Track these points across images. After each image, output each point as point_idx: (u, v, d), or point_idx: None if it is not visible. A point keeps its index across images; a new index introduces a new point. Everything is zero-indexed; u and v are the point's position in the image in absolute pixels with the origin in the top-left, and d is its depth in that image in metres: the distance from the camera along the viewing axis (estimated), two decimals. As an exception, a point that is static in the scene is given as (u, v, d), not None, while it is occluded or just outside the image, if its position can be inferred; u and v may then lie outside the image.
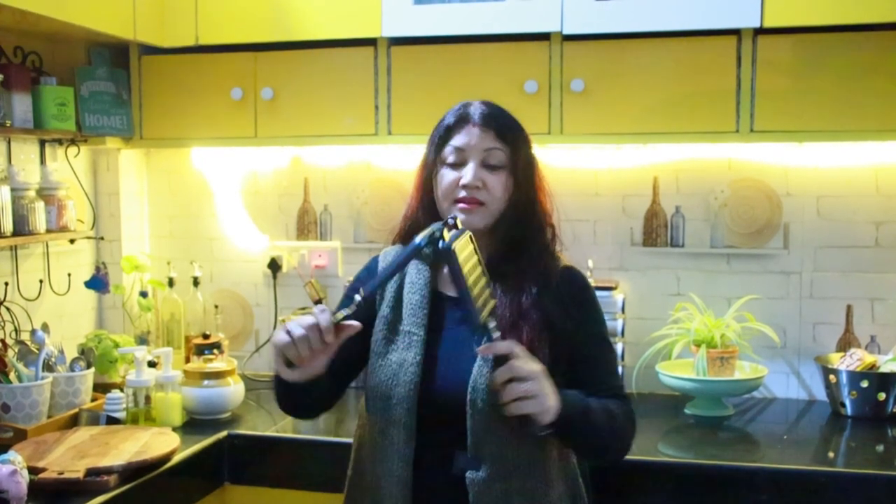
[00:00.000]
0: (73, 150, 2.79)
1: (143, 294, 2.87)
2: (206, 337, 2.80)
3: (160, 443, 2.15)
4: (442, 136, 1.77)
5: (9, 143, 2.56)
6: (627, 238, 2.79)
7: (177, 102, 2.75)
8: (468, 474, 1.66)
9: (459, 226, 1.59)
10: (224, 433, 2.34)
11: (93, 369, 2.47)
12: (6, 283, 2.57)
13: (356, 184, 2.96)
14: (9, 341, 2.44)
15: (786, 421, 2.58)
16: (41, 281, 2.70)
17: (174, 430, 2.33)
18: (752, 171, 2.70)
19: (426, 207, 1.80)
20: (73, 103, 2.62)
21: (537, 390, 1.53)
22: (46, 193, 2.57)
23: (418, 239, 1.54)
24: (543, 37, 2.46)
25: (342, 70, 2.61)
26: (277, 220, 3.05)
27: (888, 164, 2.61)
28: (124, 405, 2.40)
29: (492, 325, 1.55)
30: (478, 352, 1.58)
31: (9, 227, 2.40)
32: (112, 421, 2.37)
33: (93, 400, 2.44)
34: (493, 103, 1.79)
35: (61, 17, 2.30)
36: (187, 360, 2.79)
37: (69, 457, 2.04)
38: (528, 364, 1.54)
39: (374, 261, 1.88)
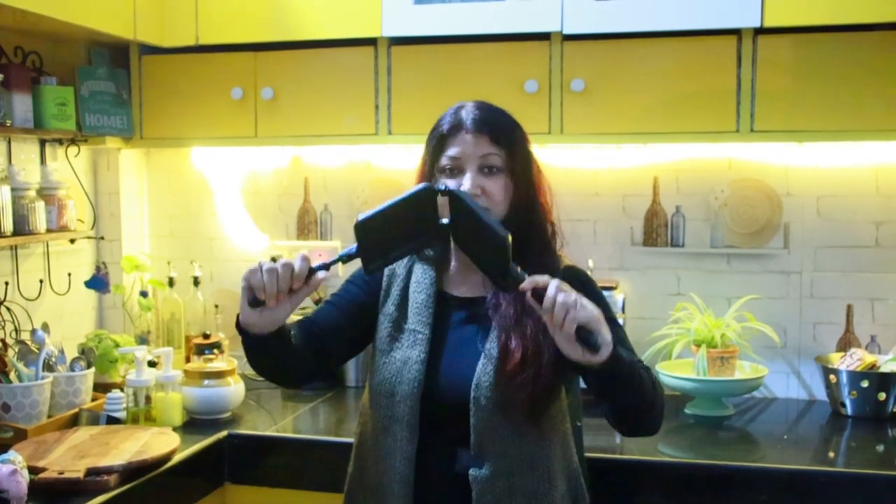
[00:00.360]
0: (73, 149, 2.79)
1: (144, 294, 2.87)
2: (206, 337, 2.80)
3: (160, 443, 2.15)
4: (436, 146, 1.76)
5: (9, 142, 2.56)
6: (627, 238, 2.79)
7: (177, 102, 2.75)
8: (471, 472, 1.66)
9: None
10: (224, 433, 2.34)
11: (93, 369, 2.47)
12: (6, 283, 2.57)
13: (356, 183, 2.96)
14: (9, 341, 2.44)
15: (786, 421, 2.58)
16: (41, 281, 2.70)
17: (174, 429, 2.34)
18: (752, 170, 2.70)
19: None
20: (74, 103, 2.62)
21: (585, 303, 1.50)
22: (47, 193, 2.57)
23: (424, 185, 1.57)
24: (544, 36, 2.46)
25: (342, 70, 2.61)
26: (278, 219, 3.05)
27: (888, 164, 2.61)
28: (124, 405, 2.40)
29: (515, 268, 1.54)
30: (523, 287, 1.53)
31: (9, 226, 2.40)
32: (112, 421, 2.37)
33: (93, 400, 2.44)
34: (487, 104, 1.77)
35: (62, 16, 2.30)
36: (187, 360, 2.79)
37: (69, 457, 2.04)
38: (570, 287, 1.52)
39: None
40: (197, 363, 2.59)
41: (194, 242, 3.10)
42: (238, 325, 1.67)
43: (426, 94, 2.54)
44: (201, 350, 2.70)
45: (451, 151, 1.72)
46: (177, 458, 2.14)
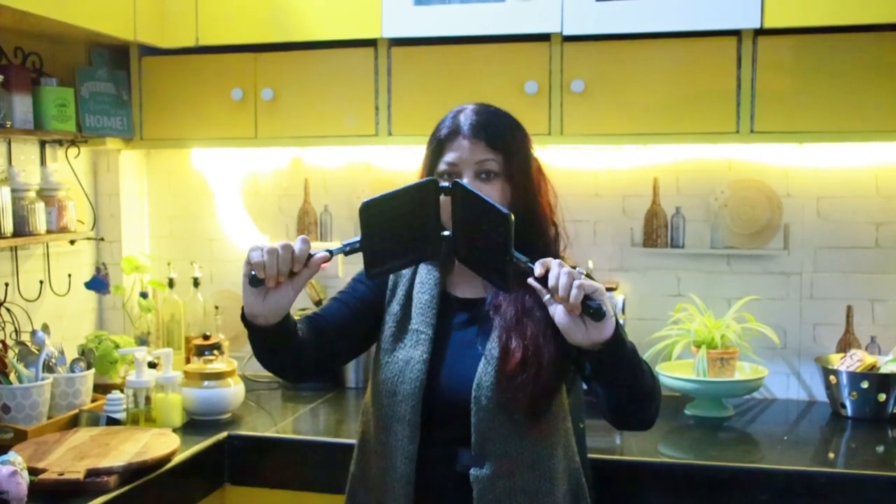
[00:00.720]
0: (73, 150, 2.79)
1: (144, 295, 2.87)
2: (206, 338, 2.80)
3: (160, 444, 2.15)
4: (435, 151, 1.76)
5: (9, 143, 2.56)
6: (627, 239, 2.79)
7: (177, 103, 2.75)
8: (472, 471, 1.67)
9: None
10: (224, 434, 2.34)
11: (93, 370, 2.47)
12: (6, 284, 2.57)
13: (356, 184, 2.96)
14: (9, 342, 2.44)
15: (786, 422, 2.58)
16: (41, 282, 2.70)
17: (174, 430, 2.34)
18: (752, 171, 2.70)
19: None
20: (74, 104, 2.62)
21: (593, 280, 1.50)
22: (47, 194, 2.57)
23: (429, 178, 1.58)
24: (543, 37, 2.46)
25: (342, 71, 2.61)
26: (278, 220, 3.05)
27: (888, 165, 2.61)
28: (124, 406, 2.40)
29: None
30: (535, 273, 1.53)
31: (9, 227, 2.40)
32: (112, 422, 2.37)
33: (93, 401, 2.43)
34: (487, 107, 1.76)
35: (62, 17, 2.30)
36: (187, 361, 2.79)
37: (69, 458, 2.04)
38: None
39: None
40: (197, 364, 2.59)
41: (194, 243, 3.10)
42: (243, 317, 1.66)
43: (426, 95, 2.54)
44: (201, 351, 2.70)
45: (449, 157, 1.72)
46: (177, 459, 2.15)
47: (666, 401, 2.62)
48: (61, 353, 2.42)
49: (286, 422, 2.53)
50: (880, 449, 2.26)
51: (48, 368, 2.35)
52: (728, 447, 2.32)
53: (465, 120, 1.73)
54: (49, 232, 2.57)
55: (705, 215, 2.74)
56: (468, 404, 1.66)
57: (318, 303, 2.95)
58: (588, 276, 1.68)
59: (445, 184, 1.61)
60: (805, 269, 2.69)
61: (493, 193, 1.70)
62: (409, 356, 1.72)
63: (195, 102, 2.73)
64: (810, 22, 2.28)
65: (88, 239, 2.89)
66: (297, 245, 1.56)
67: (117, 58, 2.79)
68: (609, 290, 2.64)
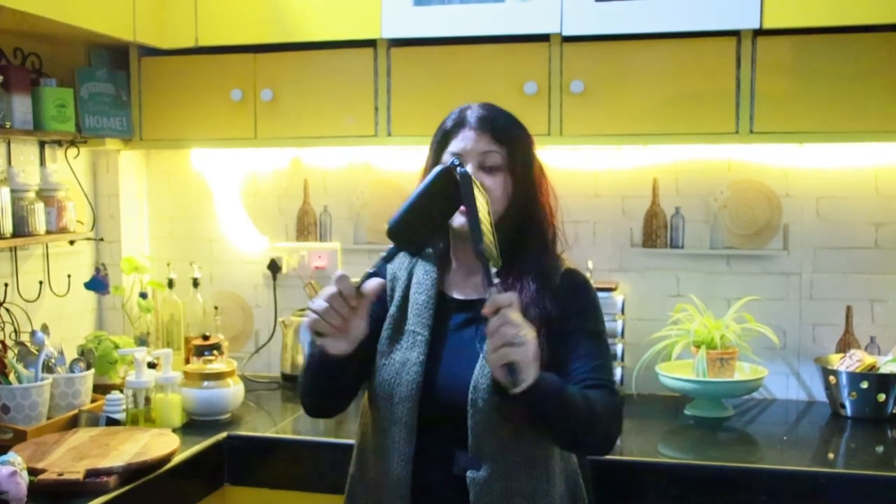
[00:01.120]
0: (72, 151, 2.79)
1: (143, 295, 2.87)
2: (205, 338, 2.80)
3: (160, 444, 2.15)
4: (440, 142, 1.78)
5: (8, 144, 2.56)
6: (627, 239, 2.79)
7: (176, 104, 2.75)
8: (468, 474, 1.67)
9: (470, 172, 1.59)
10: (224, 434, 2.34)
11: (92, 370, 2.47)
12: (6, 285, 2.57)
13: (356, 185, 2.96)
14: (8, 342, 2.43)
15: (785, 422, 2.58)
16: (41, 282, 2.70)
17: (174, 431, 2.33)
18: (751, 172, 2.70)
19: None
20: (73, 105, 2.62)
21: (524, 340, 1.48)
22: (46, 195, 2.57)
23: (439, 168, 1.54)
24: (543, 38, 2.46)
25: (342, 71, 2.61)
26: (277, 221, 3.05)
27: (888, 165, 2.61)
28: (124, 406, 2.40)
29: (493, 270, 1.54)
30: (485, 311, 1.51)
31: (8, 228, 2.40)
32: (112, 422, 2.36)
33: (92, 401, 2.43)
34: (493, 105, 1.79)
35: (61, 18, 2.30)
36: (187, 362, 2.79)
37: (69, 458, 2.04)
38: (521, 318, 1.51)
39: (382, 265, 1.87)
40: (196, 364, 2.59)
41: (194, 244, 3.10)
42: (312, 359, 1.67)
43: (426, 95, 2.54)
44: (201, 351, 2.70)
45: (453, 147, 1.74)
46: (176, 459, 2.14)
47: (666, 401, 2.65)
48: (61, 353, 2.42)
49: (286, 422, 2.53)
50: (880, 449, 2.27)
51: (48, 369, 2.35)
52: (728, 447, 2.32)
53: (472, 114, 1.75)
54: (48, 232, 2.57)
55: (705, 216, 2.74)
56: (465, 406, 1.66)
57: (317, 303, 2.95)
58: (586, 285, 1.69)
59: (461, 168, 1.57)
60: (804, 270, 2.69)
61: (494, 186, 1.71)
62: (405, 358, 1.72)
63: (195, 103, 2.73)
64: (810, 22, 2.28)
65: (88, 239, 2.89)
66: (342, 288, 1.55)
67: (117, 58, 2.79)
68: (609, 290, 2.65)
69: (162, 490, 2.08)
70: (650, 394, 2.70)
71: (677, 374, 2.53)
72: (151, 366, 2.50)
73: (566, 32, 2.41)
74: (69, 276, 2.81)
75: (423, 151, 1.85)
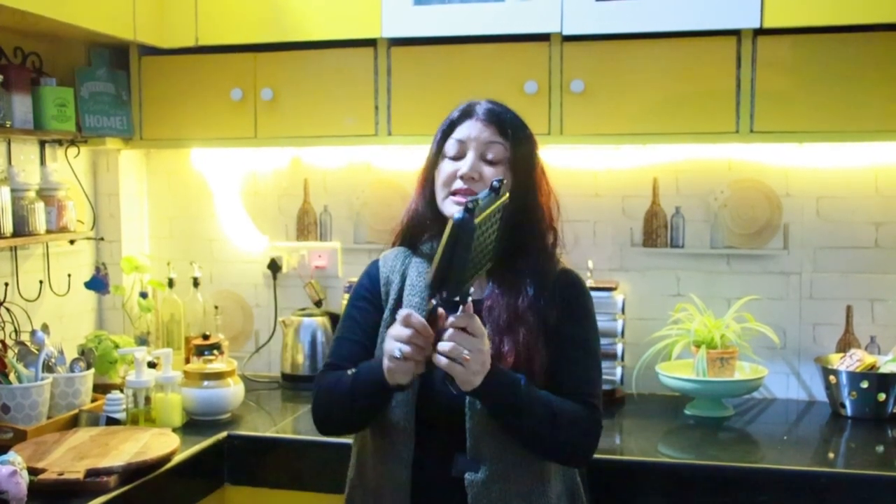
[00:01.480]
0: (72, 150, 2.79)
1: (143, 295, 2.87)
2: (205, 338, 2.80)
3: (160, 443, 2.15)
4: (445, 131, 1.79)
5: (9, 143, 2.56)
6: (627, 239, 2.79)
7: (177, 103, 2.75)
8: (467, 476, 1.67)
9: (503, 191, 1.56)
10: (224, 434, 2.34)
11: (93, 370, 2.47)
12: (6, 284, 2.57)
13: (356, 184, 2.96)
14: (9, 342, 2.43)
15: (786, 421, 2.58)
16: (41, 282, 2.70)
17: (174, 430, 2.33)
18: (751, 171, 2.70)
19: (427, 201, 1.80)
20: (73, 104, 2.62)
21: (474, 360, 1.53)
22: (46, 194, 2.57)
23: (458, 214, 1.48)
24: (543, 37, 2.46)
25: (342, 71, 2.61)
26: (277, 220, 3.05)
27: (888, 165, 2.61)
28: (124, 406, 2.40)
29: (465, 296, 1.54)
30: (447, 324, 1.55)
31: (9, 227, 2.40)
32: (112, 422, 2.36)
33: (93, 401, 2.43)
34: (500, 102, 1.80)
35: (61, 17, 2.30)
36: (187, 361, 2.79)
37: (69, 458, 2.04)
38: (476, 335, 1.54)
39: (375, 265, 1.88)
40: (196, 364, 2.59)
41: (194, 243, 3.10)
42: (365, 386, 1.67)
43: (426, 94, 2.54)
44: (201, 351, 2.71)
45: (458, 134, 1.75)
46: (176, 459, 2.14)
47: (666, 401, 2.65)
48: (61, 353, 2.41)
49: (286, 422, 2.53)
50: (880, 449, 2.26)
51: (48, 368, 2.35)
52: (728, 447, 2.32)
53: (481, 106, 1.77)
54: (49, 232, 2.57)
55: (705, 215, 2.74)
56: (463, 409, 1.66)
57: (317, 303, 2.95)
58: (581, 288, 1.69)
59: (459, 212, 1.50)
60: (805, 269, 2.69)
61: (492, 176, 1.70)
62: None
63: (195, 102, 2.73)
64: (810, 22, 2.28)
65: (88, 239, 2.89)
66: (415, 323, 1.55)
67: (117, 58, 2.79)
68: (609, 290, 2.65)
69: (162, 490, 2.08)
70: (650, 393, 2.70)
71: (677, 373, 2.53)
72: (151, 365, 2.49)
73: (566, 32, 2.41)
74: (69, 275, 2.81)
75: (423, 151, 1.85)
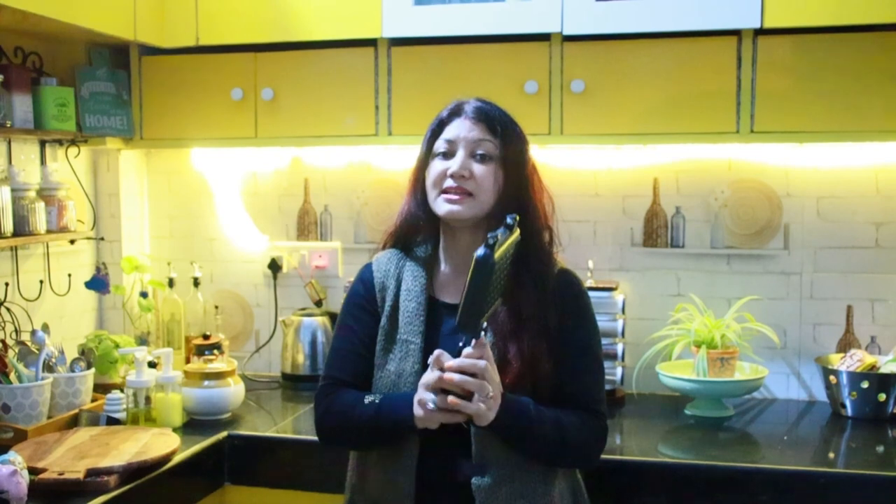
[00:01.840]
0: (73, 150, 2.79)
1: (144, 294, 2.87)
2: (206, 337, 2.81)
3: (160, 443, 2.15)
4: (435, 130, 1.78)
5: (9, 143, 2.56)
6: (628, 239, 2.79)
7: (177, 103, 2.75)
8: (474, 480, 1.66)
9: (515, 227, 1.58)
10: (224, 434, 2.34)
11: (93, 370, 2.47)
12: (6, 284, 2.57)
13: (356, 184, 2.96)
14: (9, 342, 2.44)
15: (786, 422, 2.58)
16: (41, 281, 2.70)
17: (174, 430, 2.33)
18: (752, 171, 2.70)
19: (419, 201, 1.79)
20: (74, 104, 2.62)
21: (484, 398, 1.55)
22: (47, 194, 2.57)
23: (480, 251, 1.50)
24: (544, 37, 2.46)
25: (342, 70, 2.61)
26: (277, 220, 3.05)
27: (888, 165, 2.61)
28: (124, 406, 2.40)
29: (482, 327, 1.56)
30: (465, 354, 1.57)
31: (9, 227, 2.40)
32: (112, 421, 2.37)
33: (93, 400, 2.43)
34: (489, 101, 1.79)
35: (62, 17, 2.30)
36: (187, 361, 2.79)
37: (69, 457, 2.04)
38: (489, 374, 1.56)
39: (368, 269, 1.86)
40: (197, 364, 2.59)
41: (194, 243, 3.10)
42: (408, 430, 1.67)
43: (426, 94, 2.54)
44: (201, 351, 2.71)
45: (448, 134, 1.74)
46: (177, 458, 2.14)
47: (666, 401, 2.65)
48: (61, 352, 2.42)
49: (286, 422, 2.53)
50: (880, 449, 2.26)
51: (48, 368, 2.35)
52: (728, 447, 2.32)
53: (469, 105, 1.77)
54: (49, 232, 2.57)
55: (705, 215, 2.74)
56: (468, 427, 1.65)
57: (318, 302, 2.95)
58: (580, 290, 1.69)
59: (482, 249, 1.51)
60: (805, 269, 2.69)
61: (485, 176, 1.70)
62: (400, 369, 1.71)
63: (195, 102, 2.73)
64: (810, 22, 2.28)
65: (88, 239, 2.89)
66: (446, 359, 1.57)
67: (117, 58, 2.79)
68: (609, 289, 2.65)
69: (162, 489, 2.08)
70: (650, 393, 2.70)
71: (678, 373, 2.53)
72: (152, 365, 2.49)
73: (567, 32, 2.41)
74: (70, 275, 2.81)
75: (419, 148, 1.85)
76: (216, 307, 2.97)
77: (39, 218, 2.50)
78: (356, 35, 2.55)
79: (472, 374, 1.54)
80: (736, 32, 2.37)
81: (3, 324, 2.53)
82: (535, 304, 1.71)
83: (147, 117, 2.79)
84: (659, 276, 2.78)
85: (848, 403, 2.47)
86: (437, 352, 1.57)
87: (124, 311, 2.96)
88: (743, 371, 2.57)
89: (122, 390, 2.44)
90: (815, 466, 2.11)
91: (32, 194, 2.51)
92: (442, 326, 1.75)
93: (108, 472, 1.96)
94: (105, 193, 2.98)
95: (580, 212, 2.79)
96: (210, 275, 3.08)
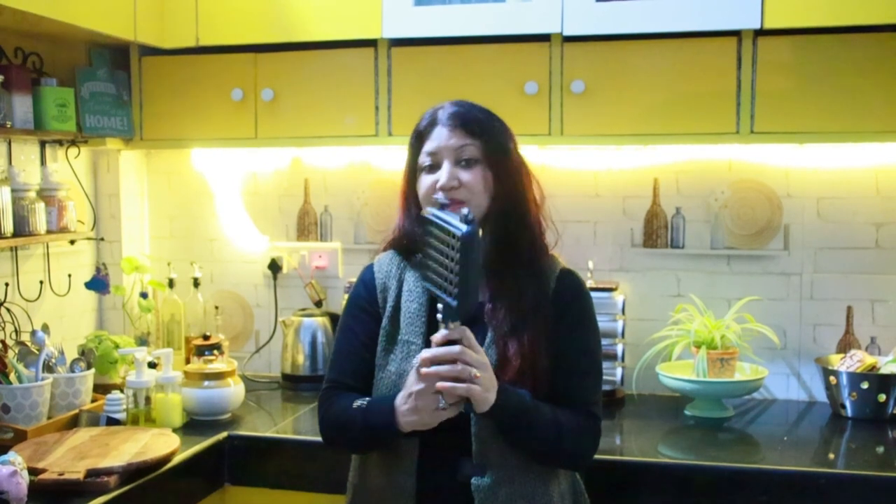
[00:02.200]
0: (73, 150, 2.79)
1: (144, 295, 2.87)
2: (206, 338, 2.80)
3: (160, 444, 2.15)
4: (415, 145, 1.77)
5: (9, 144, 2.56)
6: (628, 239, 2.79)
7: (177, 103, 2.75)
8: (473, 480, 1.66)
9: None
10: (224, 434, 2.34)
11: (93, 370, 2.47)
12: (6, 284, 2.57)
13: (356, 185, 2.96)
14: (9, 342, 2.44)
15: (786, 422, 2.58)
16: (41, 282, 2.70)
17: (174, 431, 2.33)
18: (752, 172, 2.70)
19: (413, 217, 1.78)
20: (74, 104, 2.62)
21: (484, 377, 1.55)
22: (47, 194, 2.57)
23: (464, 229, 1.48)
24: (544, 38, 2.46)
25: (342, 71, 2.61)
26: (278, 221, 3.05)
27: (888, 166, 2.61)
28: (124, 406, 2.40)
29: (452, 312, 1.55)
30: (433, 339, 1.56)
31: (9, 227, 2.40)
32: (112, 422, 2.37)
33: (93, 401, 2.43)
34: (465, 102, 1.78)
35: (62, 18, 2.30)
36: (187, 361, 2.79)
37: (69, 458, 2.04)
38: (477, 352, 1.56)
39: (369, 271, 1.86)
40: (197, 364, 2.59)
41: (194, 244, 3.10)
42: (396, 435, 1.66)
43: (426, 95, 2.54)
44: (201, 351, 2.70)
45: (428, 147, 1.73)
46: (177, 459, 2.14)
47: (666, 401, 2.65)
48: (61, 353, 2.42)
49: (286, 422, 2.53)
50: (880, 449, 2.26)
51: (48, 368, 2.35)
52: (728, 448, 2.32)
53: (444, 112, 1.75)
54: (49, 232, 2.57)
55: (705, 216, 2.74)
56: (467, 414, 1.65)
57: (318, 303, 2.95)
58: (582, 290, 1.68)
59: (463, 227, 1.50)
60: (805, 270, 2.69)
61: (474, 180, 1.69)
62: (401, 370, 1.71)
63: (195, 102, 2.73)
64: (810, 22, 2.28)
65: (88, 239, 2.89)
66: (430, 358, 1.56)
67: (117, 58, 2.79)
68: (609, 290, 2.65)
69: (162, 490, 2.08)
70: (650, 394, 2.70)
71: (678, 374, 2.53)
72: (152, 365, 2.49)
73: (567, 32, 2.41)
74: (70, 275, 2.81)
75: (405, 158, 1.84)
76: (216, 308, 2.97)
77: (39, 218, 2.50)
78: (356, 35, 2.55)
79: (452, 362, 1.54)
80: (736, 33, 2.37)
81: (3, 324, 2.53)
82: (533, 300, 1.71)
83: (147, 118, 2.79)
84: (659, 277, 2.78)
85: (848, 404, 2.47)
86: (417, 357, 1.57)
87: (124, 312, 2.96)
88: (743, 372, 2.57)
89: (122, 391, 2.44)
90: (814, 467, 2.11)
91: (32, 195, 2.51)
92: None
93: (108, 472, 1.96)
94: (105, 194, 2.98)
95: (580, 212, 2.79)
96: (210, 275, 3.08)
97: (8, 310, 2.56)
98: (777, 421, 2.59)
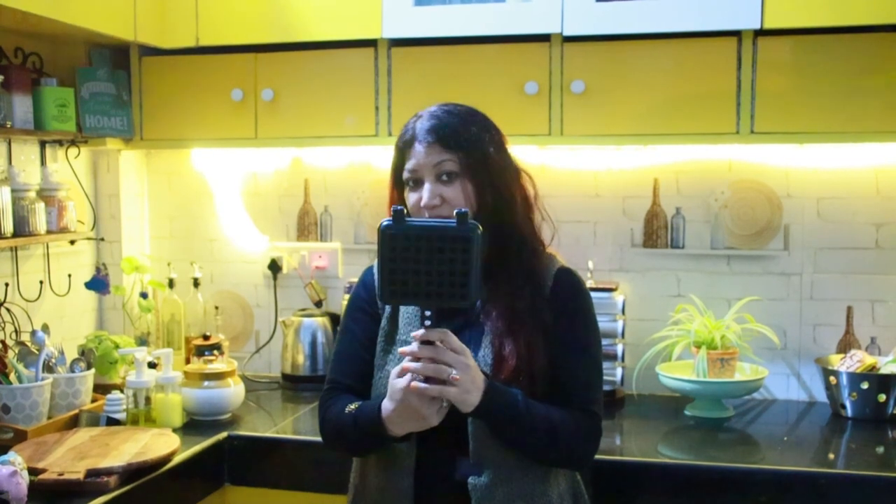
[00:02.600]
0: (73, 151, 2.79)
1: (144, 295, 2.87)
2: (206, 338, 2.80)
3: (160, 444, 2.15)
4: (398, 160, 1.75)
5: (9, 144, 2.56)
6: (628, 239, 2.79)
7: (177, 103, 2.75)
8: (470, 480, 1.66)
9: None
10: (224, 434, 2.34)
11: (93, 370, 2.47)
12: (6, 284, 2.57)
13: (356, 185, 2.96)
14: (9, 342, 2.44)
15: (786, 422, 2.58)
16: (41, 282, 2.70)
17: (174, 431, 2.33)
18: (752, 172, 2.70)
19: None
20: (74, 104, 2.62)
21: (464, 378, 1.54)
22: (47, 194, 2.57)
23: (466, 228, 1.49)
24: (544, 38, 2.46)
25: (342, 71, 2.61)
26: (278, 221, 3.05)
27: (888, 166, 2.61)
28: (124, 406, 2.40)
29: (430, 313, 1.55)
30: (413, 336, 1.56)
31: (9, 228, 2.40)
32: (112, 422, 2.37)
33: (93, 401, 2.43)
34: (443, 107, 1.75)
35: (62, 18, 2.30)
36: (187, 362, 2.79)
37: (69, 458, 2.04)
38: (459, 353, 1.55)
39: (369, 272, 1.86)
40: (197, 364, 2.59)
41: (194, 244, 3.10)
42: (386, 440, 1.66)
43: (426, 95, 2.53)
44: (201, 351, 2.71)
45: (409, 165, 1.71)
46: (177, 459, 2.14)
47: (666, 401, 2.65)
48: (61, 353, 2.42)
49: (286, 422, 2.53)
50: (880, 449, 2.26)
51: (48, 368, 2.35)
52: (728, 448, 2.32)
53: (421, 126, 1.72)
54: (49, 232, 2.57)
55: (705, 216, 2.74)
56: (464, 414, 1.64)
57: (318, 303, 2.95)
58: (581, 288, 1.67)
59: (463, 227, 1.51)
60: (805, 270, 2.69)
61: (454, 195, 1.68)
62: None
63: (195, 102, 2.73)
64: (810, 22, 2.28)
65: (88, 239, 2.89)
66: (434, 335, 1.56)
67: (117, 58, 2.79)
68: (609, 290, 2.64)
69: (162, 490, 2.08)
70: (650, 394, 2.70)
71: (678, 374, 2.53)
72: (152, 366, 2.49)
73: (567, 32, 2.41)
74: (70, 275, 2.81)
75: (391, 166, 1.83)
76: (216, 308, 2.97)
77: (39, 218, 2.50)
78: (356, 35, 2.55)
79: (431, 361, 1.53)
80: (736, 33, 2.37)
81: (3, 324, 2.53)
82: (529, 299, 1.70)
83: (147, 118, 2.79)
84: (659, 277, 2.78)
85: (848, 404, 2.47)
86: (400, 366, 1.57)
87: (124, 312, 2.96)
88: (743, 372, 2.57)
89: (122, 391, 2.44)
90: (814, 467, 2.11)
91: (32, 195, 2.51)
92: (442, 326, 1.74)
93: (108, 472, 1.96)
94: (105, 194, 2.98)
95: (580, 212, 2.79)
96: (210, 275, 3.08)
97: (8, 310, 2.56)
98: (777, 421, 2.59)
